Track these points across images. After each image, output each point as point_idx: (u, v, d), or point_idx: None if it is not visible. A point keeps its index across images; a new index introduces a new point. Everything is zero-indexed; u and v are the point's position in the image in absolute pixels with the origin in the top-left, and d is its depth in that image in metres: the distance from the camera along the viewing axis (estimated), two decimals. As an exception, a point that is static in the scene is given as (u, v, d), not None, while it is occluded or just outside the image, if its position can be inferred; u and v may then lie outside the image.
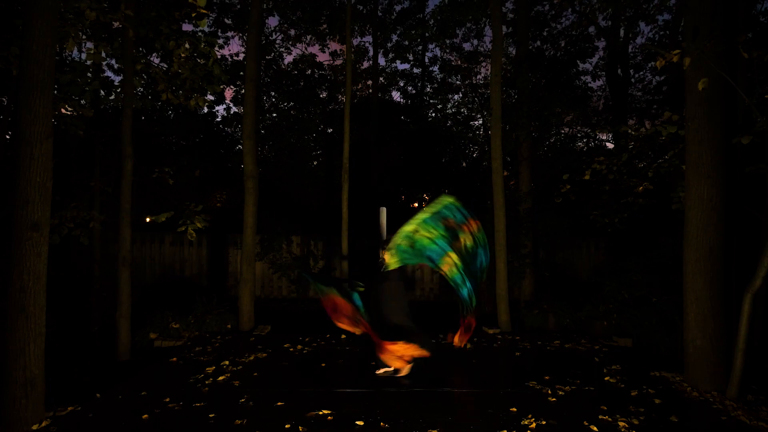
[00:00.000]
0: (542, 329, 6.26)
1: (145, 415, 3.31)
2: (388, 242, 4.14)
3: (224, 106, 19.17)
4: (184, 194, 10.87)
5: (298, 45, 14.75)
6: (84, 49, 5.69)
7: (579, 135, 12.90)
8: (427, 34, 14.18)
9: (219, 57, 10.91)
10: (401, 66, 37.11)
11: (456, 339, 4.05)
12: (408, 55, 14.78)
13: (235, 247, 8.95)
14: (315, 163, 15.29)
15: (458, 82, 14.86)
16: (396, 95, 25.25)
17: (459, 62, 14.92)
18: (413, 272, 8.83)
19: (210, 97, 7.62)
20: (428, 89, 15.44)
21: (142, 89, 9.84)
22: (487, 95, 8.26)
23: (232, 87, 13.74)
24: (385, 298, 4.21)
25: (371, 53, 13.54)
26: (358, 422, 3.20)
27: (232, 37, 13.70)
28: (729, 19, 4.58)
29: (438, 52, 16.53)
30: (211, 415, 3.33)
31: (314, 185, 12.98)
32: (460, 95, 12.68)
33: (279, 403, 3.54)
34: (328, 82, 15.35)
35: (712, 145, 3.99)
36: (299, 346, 5.22)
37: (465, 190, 7.34)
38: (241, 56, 13.55)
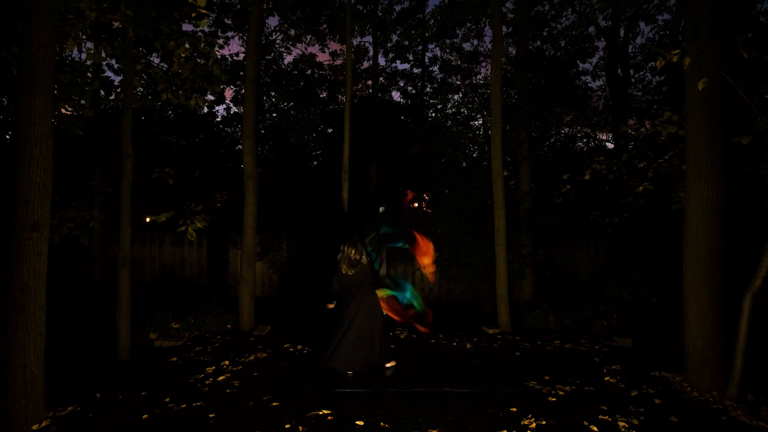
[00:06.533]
0: (542, 329, 6.26)
1: (145, 415, 3.31)
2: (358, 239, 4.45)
3: (224, 106, 19.17)
4: (184, 194, 10.87)
5: (298, 45, 14.74)
6: (84, 49, 5.69)
7: (579, 135, 12.90)
8: (427, 34, 14.18)
9: (219, 57, 10.90)
10: (401, 66, 37.07)
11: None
12: (408, 55, 14.78)
13: (235, 247, 8.95)
14: (315, 163, 15.30)
15: (458, 82, 14.88)
16: (396, 95, 25.25)
17: (459, 62, 14.93)
18: (413, 272, 8.83)
19: (210, 97, 7.61)
20: (428, 89, 15.46)
21: (142, 89, 9.86)
22: (487, 95, 8.25)
23: (232, 87, 13.74)
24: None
25: (371, 53, 13.54)
26: (358, 422, 3.20)
27: (232, 37, 13.70)
28: (729, 19, 4.57)
29: (438, 52, 16.50)
30: (211, 415, 3.33)
31: (314, 185, 12.99)
32: (460, 95, 12.69)
33: (279, 403, 3.54)
34: (328, 82, 15.35)
35: (712, 145, 3.98)
36: (299, 346, 5.22)
37: (465, 190, 7.32)
38: (241, 56, 13.54)
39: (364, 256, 4.38)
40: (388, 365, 4.39)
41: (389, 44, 14.45)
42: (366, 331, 4.27)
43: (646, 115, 12.88)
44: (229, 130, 14.49)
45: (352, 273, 4.33)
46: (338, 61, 15.34)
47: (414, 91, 15.80)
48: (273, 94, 14.36)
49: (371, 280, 4.47)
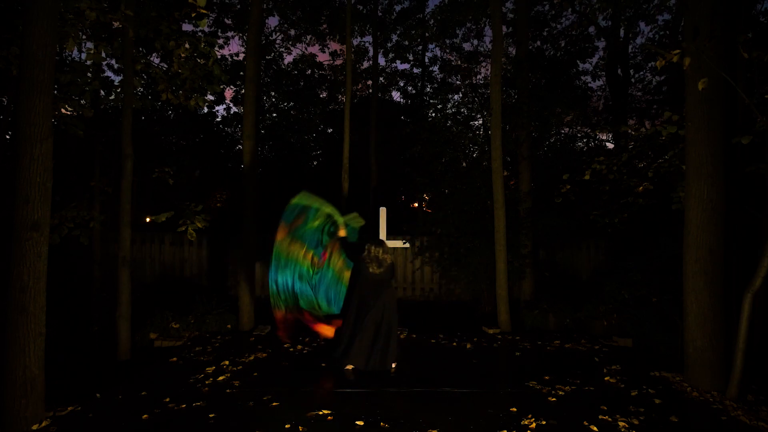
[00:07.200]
0: (542, 329, 6.26)
1: (145, 415, 3.31)
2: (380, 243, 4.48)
3: (224, 106, 19.17)
4: (184, 194, 10.88)
5: (298, 45, 14.79)
6: (84, 49, 5.69)
7: (579, 135, 12.92)
8: (427, 34, 14.19)
9: (219, 57, 10.90)
10: (401, 66, 37.15)
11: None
12: (408, 55, 14.80)
13: (235, 247, 8.94)
14: (315, 163, 15.30)
15: (458, 82, 14.89)
16: (396, 95, 25.29)
17: (459, 62, 14.95)
18: (413, 272, 8.83)
19: (210, 97, 7.60)
20: (428, 89, 15.47)
21: (142, 89, 9.86)
22: (487, 95, 8.25)
23: (232, 87, 13.76)
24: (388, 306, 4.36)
25: (371, 53, 13.55)
26: (358, 422, 3.21)
27: (232, 37, 13.71)
28: (729, 19, 4.57)
29: (438, 52, 16.53)
30: (211, 415, 3.33)
31: (314, 185, 12.97)
32: (460, 95, 12.69)
33: (279, 403, 3.54)
34: (328, 82, 15.37)
35: (712, 145, 3.98)
36: (299, 346, 5.22)
37: (465, 190, 7.32)
38: (241, 56, 13.56)
39: (389, 255, 4.43)
40: (393, 365, 4.41)
41: (389, 44, 14.46)
42: (391, 329, 4.33)
43: (646, 115, 12.89)
44: (229, 130, 14.51)
45: (379, 272, 4.36)
46: (338, 61, 15.36)
47: (414, 91, 15.82)
48: (273, 94, 14.39)
49: (393, 279, 4.56)
